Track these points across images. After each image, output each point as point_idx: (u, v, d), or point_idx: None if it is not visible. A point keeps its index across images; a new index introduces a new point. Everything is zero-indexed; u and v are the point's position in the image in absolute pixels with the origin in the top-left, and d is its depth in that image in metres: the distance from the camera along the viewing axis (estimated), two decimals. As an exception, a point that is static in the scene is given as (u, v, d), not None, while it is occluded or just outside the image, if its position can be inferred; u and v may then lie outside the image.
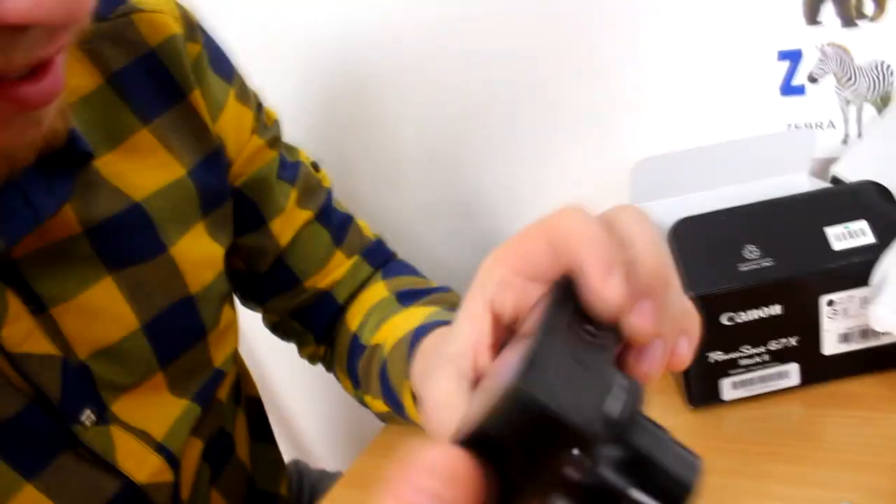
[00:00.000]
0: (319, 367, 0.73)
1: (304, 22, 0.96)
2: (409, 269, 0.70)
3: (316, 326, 0.68)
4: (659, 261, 0.28)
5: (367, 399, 0.62)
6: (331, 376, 0.72)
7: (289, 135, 0.69)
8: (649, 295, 0.27)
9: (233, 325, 0.63)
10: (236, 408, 0.69)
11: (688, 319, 0.30)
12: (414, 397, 0.54)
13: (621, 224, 0.29)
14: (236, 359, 0.67)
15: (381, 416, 0.65)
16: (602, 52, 0.82)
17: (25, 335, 0.47)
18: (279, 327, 0.70)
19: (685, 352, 0.30)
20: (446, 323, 0.54)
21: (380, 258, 0.69)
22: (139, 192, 0.53)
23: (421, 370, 0.51)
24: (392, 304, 0.63)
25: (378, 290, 0.66)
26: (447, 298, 0.64)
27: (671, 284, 0.29)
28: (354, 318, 0.65)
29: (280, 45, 0.98)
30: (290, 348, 0.73)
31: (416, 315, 0.58)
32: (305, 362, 0.73)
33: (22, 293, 0.47)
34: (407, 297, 0.64)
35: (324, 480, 0.84)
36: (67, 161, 0.46)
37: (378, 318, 0.62)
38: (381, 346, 0.59)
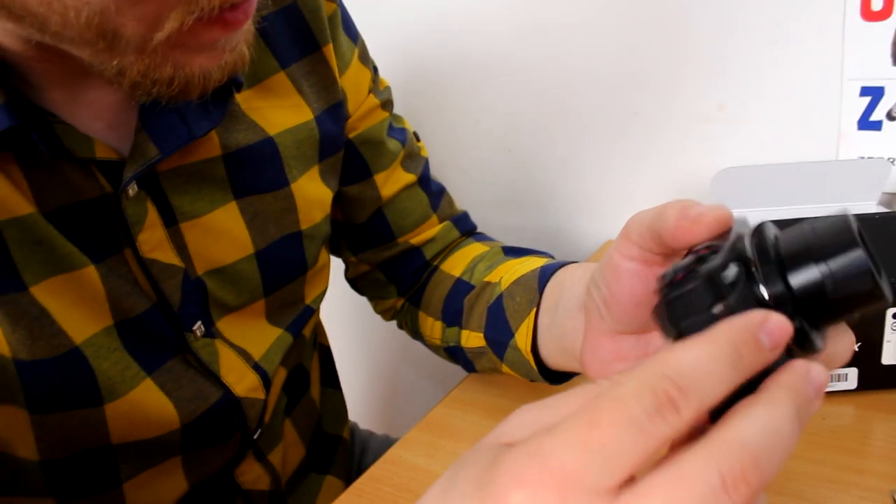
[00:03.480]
0: (370, 337, 0.74)
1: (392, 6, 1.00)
2: (495, 241, 0.74)
3: (400, 279, 0.72)
4: None
5: (463, 333, 0.64)
6: (381, 340, 0.71)
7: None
8: None
9: (326, 267, 0.67)
10: (313, 350, 0.73)
11: None
12: (535, 329, 0.55)
13: None
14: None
15: (470, 354, 0.64)
16: (690, 68, 0.86)
17: (157, 243, 0.51)
18: (363, 278, 0.74)
19: None
20: (571, 263, 0.56)
21: (466, 227, 0.74)
22: (272, 128, 0.57)
23: (555, 301, 0.53)
24: (499, 255, 0.67)
25: (477, 247, 0.70)
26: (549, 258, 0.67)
27: None
28: (455, 267, 0.69)
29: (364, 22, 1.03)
30: (343, 311, 0.74)
31: (532, 261, 0.62)
32: (353, 327, 0.75)
33: (160, 205, 0.51)
34: (512, 251, 0.68)
35: (371, 441, 0.88)
36: (222, 90, 0.51)
37: (488, 264, 0.66)
38: (495, 284, 0.62)
